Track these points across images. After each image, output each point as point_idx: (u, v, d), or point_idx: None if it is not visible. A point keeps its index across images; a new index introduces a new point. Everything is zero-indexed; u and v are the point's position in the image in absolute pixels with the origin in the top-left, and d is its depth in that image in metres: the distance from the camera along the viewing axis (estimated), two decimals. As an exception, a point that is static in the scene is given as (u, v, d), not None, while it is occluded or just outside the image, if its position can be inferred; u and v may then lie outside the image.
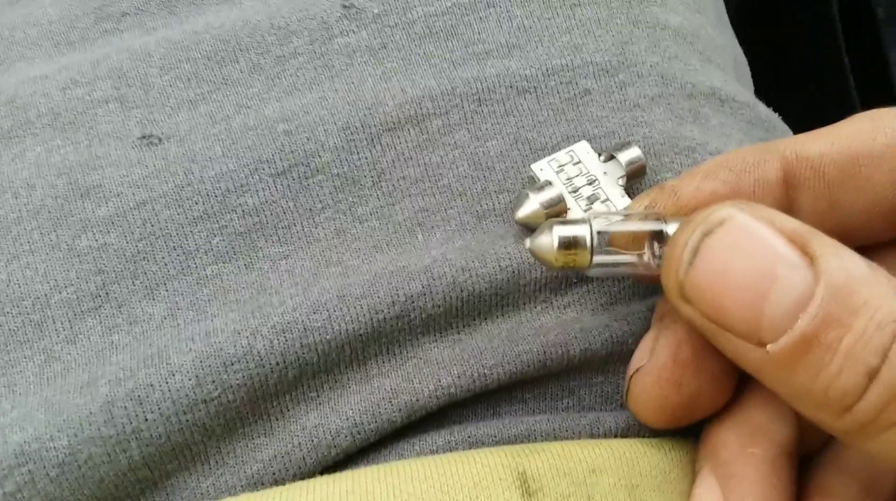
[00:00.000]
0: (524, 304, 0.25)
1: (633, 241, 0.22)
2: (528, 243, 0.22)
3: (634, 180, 0.26)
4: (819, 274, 0.18)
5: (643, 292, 0.25)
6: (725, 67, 0.33)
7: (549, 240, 0.21)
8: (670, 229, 0.21)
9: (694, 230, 0.19)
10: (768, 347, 0.18)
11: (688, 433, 0.24)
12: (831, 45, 0.65)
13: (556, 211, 0.24)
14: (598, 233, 0.21)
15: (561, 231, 0.21)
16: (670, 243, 0.20)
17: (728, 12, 0.40)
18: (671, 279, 0.19)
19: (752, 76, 0.39)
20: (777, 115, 0.35)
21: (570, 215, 0.25)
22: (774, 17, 0.70)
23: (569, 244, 0.21)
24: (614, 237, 0.21)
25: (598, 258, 0.21)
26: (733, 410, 0.23)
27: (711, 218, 0.19)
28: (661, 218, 0.21)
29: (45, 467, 0.22)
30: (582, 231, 0.21)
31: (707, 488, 0.22)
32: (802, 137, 0.22)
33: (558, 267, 0.22)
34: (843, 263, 0.18)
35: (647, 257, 0.21)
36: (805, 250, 0.18)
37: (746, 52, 0.39)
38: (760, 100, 0.35)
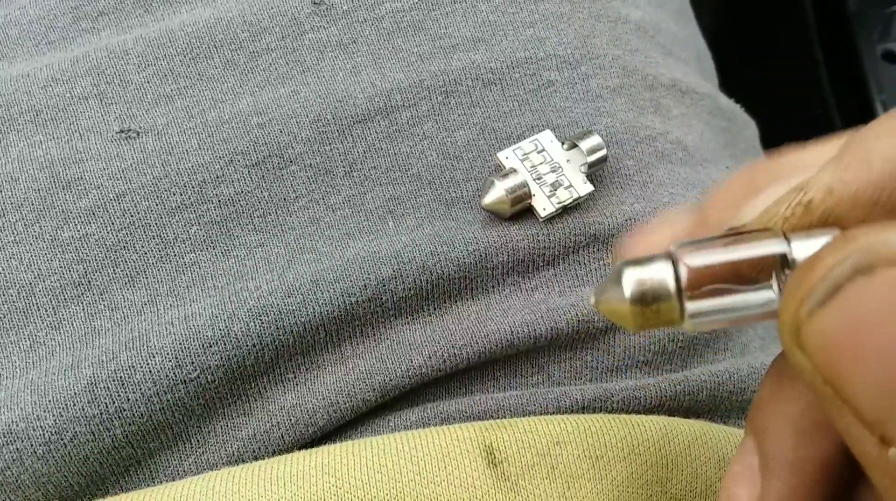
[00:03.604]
0: (493, 287, 0.26)
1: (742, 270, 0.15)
2: (593, 298, 0.16)
3: (596, 168, 0.27)
4: None
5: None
6: (687, 59, 0.34)
7: (619, 291, 0.15)
8: (800, 250, 0.14)
9: (846, 258, 0.13)
10: (891, 451, 0.12)
11: (656, 411, 0.25)
12: (803, 37, 0.66)
13: (520, 196, 0.25)
14: (690, 268, 0.14)
15: (634, 274, 0.15)
16: (804, 265, 0.14)
17: (705, 7, 0.40)
18: (789, 312, 0.14)
19: (724, 69, 0.39)
20: (741, 107, 0.36)
21: (536, 200, 0.26)
22: (747, 11, 0.71)
23: (647, 297, 0.14)
24: (712, 272, 0.14)
25: (695, 306, 0.14)
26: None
27: (878, 248, 0.13)
28: (782, 235, 0.14)
29: (32, 445, 0.23)
30: (661, 272, 0.14)
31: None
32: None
33: (637, 327, 0.15)
34: None
35: (775, 290, 0.14)
36: None
37: (718, 45, 0.40)
38: (732, 93, 0.36)
